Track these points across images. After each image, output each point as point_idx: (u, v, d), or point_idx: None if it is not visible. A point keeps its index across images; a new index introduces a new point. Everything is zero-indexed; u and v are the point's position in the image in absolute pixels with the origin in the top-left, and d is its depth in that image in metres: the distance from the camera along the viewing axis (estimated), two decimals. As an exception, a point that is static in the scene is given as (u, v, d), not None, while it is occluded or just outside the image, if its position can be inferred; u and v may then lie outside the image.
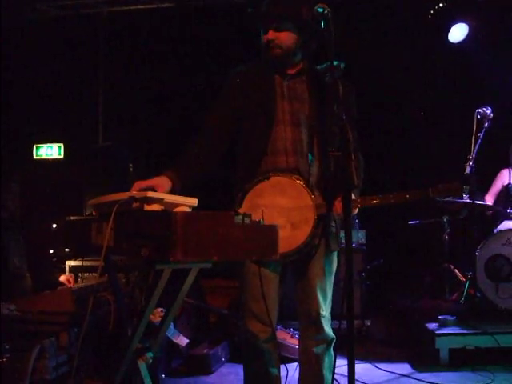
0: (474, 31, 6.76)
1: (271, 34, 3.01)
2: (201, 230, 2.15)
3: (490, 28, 6.80)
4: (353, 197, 2.77)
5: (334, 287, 3.15)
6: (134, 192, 2.44)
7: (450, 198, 5.24)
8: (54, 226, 6.29)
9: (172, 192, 2.78)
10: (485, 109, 5.66)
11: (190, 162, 3.03)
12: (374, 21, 6.93)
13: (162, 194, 2.50)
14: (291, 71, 3.11)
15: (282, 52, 3.03)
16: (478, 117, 5.67)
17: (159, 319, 3.72)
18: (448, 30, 6.83)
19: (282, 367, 3.19)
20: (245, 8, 3.13)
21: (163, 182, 2.83)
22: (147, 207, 2.36)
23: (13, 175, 5.27)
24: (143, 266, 3.12)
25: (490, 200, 6.15)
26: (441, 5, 6.70)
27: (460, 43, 6.87)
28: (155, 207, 2.36)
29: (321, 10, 2.66)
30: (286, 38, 3.00)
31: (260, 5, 3.05)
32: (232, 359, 5.25)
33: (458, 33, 6.83)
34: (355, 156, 2.49)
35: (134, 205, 2.38)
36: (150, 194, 2.39)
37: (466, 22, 6.77)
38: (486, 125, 5.64)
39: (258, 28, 3.07)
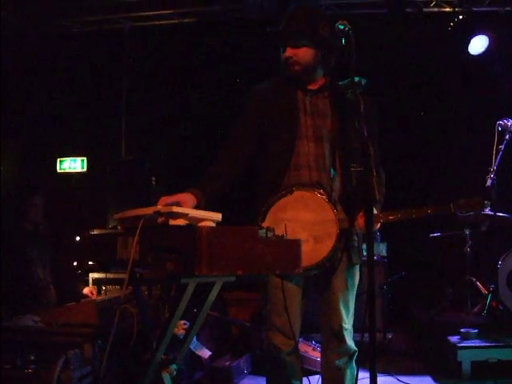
0: (494, 43, 6.75)
1: (289, 51, 3.05)
2: (225, 245, 2.19)
3: (510, 40, 6.78)
4: (374, 212, 2.80)
5: (355, 300, 3.17)
6: (159, 207, 2.48)
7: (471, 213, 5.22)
8: (78, 238, 6.36)
9: (196, 208, 2.82)
10: (506, 121, 5.64)
11: (214, 179, 3.07)
12: (394, 34, 6.95)
13: (187, 208, 2.53)
14: (313, 87, 3.15)
15: (300, 68, 3.07)
16: (499, 129, 5.65)
17: (182, 331, 3.75)
18: (468, 42, 6.82)
19: (304, 380, 3.21)
20: (266, 23, 3.18)
21: (188, 198, 2.87)
22: (172, 222, 2.39)
23: (36, 188, 5.34)
24: (168, 279, 3.15)
25: None
26: (461, 17, 6.69)
27: (480, 55, 6.86)
28: (180, 222, 2.40)
29: (342, 27, 2.70)
30: (303, 54, 3.04)
31: (279, 23, 3.10)
32: (254, 372, 5.26)
33: (478, 45, 6.82)
34: (377, 171, 2.51)
35: (160, 219, 2.42)
36: (175, 208, 2.43)
37: (486, 34, 6.76)
38: (507, 137, 5.62)
39: (278, 45, 3.12)
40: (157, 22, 7.41)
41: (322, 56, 3.07)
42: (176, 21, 7.37)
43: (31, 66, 7.17)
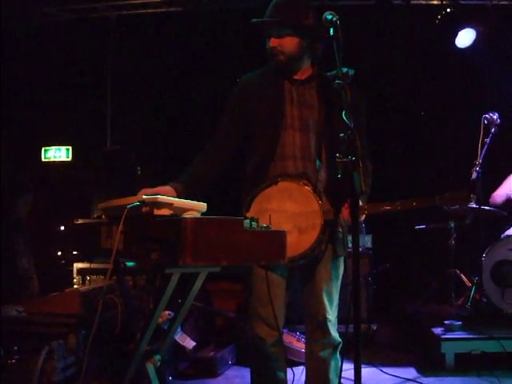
0: (481, 36, 6.76)
1: (273, 41, 3.05)
2: (210, 235, 2.18)
3: (497, 33, 6.79)
4: (360, 203, 2.80)
5: (340, 291, 3.18)
6: (143, 196, 2.46)
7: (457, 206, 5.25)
8: (62, 228, 6.34)
9: None
10: (492, 114, 5.66)
11: (196, 174, 3.09)
12: (382, 26, 6.95)
13: (172, 198, 2.52)
14: (300, 77, 3.14)
15: (285, 58, 3.06)
16: (485, 122, 5.67)
17: (165, 320, 3.74)
18: (455, 36, 6.83)
19: (289, 371, 3.21)
20: (253, 12, 3.16)
21: (167, 191, 2.88)
22: (157, 211, 2.38)
23: (29, 186, 5.30)
24: (152, 269, 3.14)
25: (499, 199, 6.06)
26: (448, 10, 6.69)
27: (467, 48, 6.86)
28: (165, 212, 2.38)
29: (329, 17, 2.67)
30: (287, 43, 3.04)
31: (264, 12, 3.10)
32: (238, 362, 5.26)
33: (465, 38, 6.82)
34: (363, 162, 2.51)
35: (144, 209, 2.41)
36: (160, 198, 2.41)
37: (473, 28, 6.76)
38: (492, 130, 5.64)
39: (263, 35, 3.12)
40: (144, 11, 7.36)
41: (307, 45, 3.06)
42: (163, 9, 7.33)
43: (15, 53, 7.09)
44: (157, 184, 2.92)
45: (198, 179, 3.08)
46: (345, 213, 2.97)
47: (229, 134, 3.16)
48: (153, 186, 2.86)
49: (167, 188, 2.92)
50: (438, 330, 5.12)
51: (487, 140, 5.61)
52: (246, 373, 4.10)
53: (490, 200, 6.02)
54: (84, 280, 5.14)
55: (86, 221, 3.02)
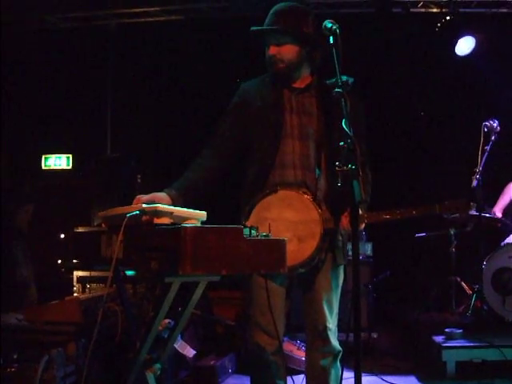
0: (480, 44, 6.77)
1: (273, 49, 3.06)
2: (210, 244, 2.18)
3: (496, 41, 6.82)
4: (360, 212, 2.79)
5: (340, 300, 3.17)
6: (143, 205, 2.46)
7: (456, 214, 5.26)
8: (62, 236, 6.33)
9: None
10: (492, 122, 5.67)
11: (192, 180, 3.07)
12: (381, 34, 6.96)
13: (172, 207, 2.52)
14: (299, 85, 3.14)
15: (284, 66, 3.07)
16: (485, 130, 5.67)
17: (164, 328, 3.73)
18: (455, 43, 6.84)
19: (289, 379, 3.20)
20: (253, 21, 3.17)
21: (162, 197, 2.88)
22: (157, 220, 2.38)
23: (30, 197, 5.30)
24: (152, 278, 3.13)
25: (498, 213, 6.14)
26: (448, 18, 6.71)
27: (467, 56, 6.88)
28: (165, 220, 2.38)
29: (329, 26, 2.68)
30: (287, 51, 3.05)
31: (263, 21, 3.11)
32: (239, 371, 5.25)
33: (464, 46, 6.84)
34: (363, 171, 2.50)
35: (144, 218, 2.40)
36: (160, 207, 2.41)
37: (472, 35, 6.78)
38: (493, 138, 5.64)
39: (262, 44, 3.12)
40: (143, 19, 7.38)
41: (306, 53, 3.07)
42: (163, 18, 7.35)
43: (15, 61, 7.11)
44: (156, 192, 2.91)
45: (193, 186, 3.06)
46: (344, 221, 2.97)
47: (227, 141, 3.16)
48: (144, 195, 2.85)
49: (162, 195, 2.90)
50: (438, 338, 5.10)
51: (487, 147, 5.62)
52: (246, 381, 4.09)
53: (492, 213, 6.05)
54: (84, 288, 5.12)
55: (86, 229, 3.01)
